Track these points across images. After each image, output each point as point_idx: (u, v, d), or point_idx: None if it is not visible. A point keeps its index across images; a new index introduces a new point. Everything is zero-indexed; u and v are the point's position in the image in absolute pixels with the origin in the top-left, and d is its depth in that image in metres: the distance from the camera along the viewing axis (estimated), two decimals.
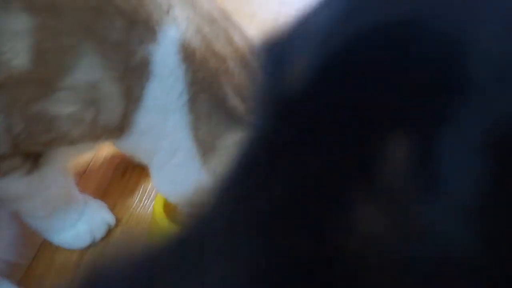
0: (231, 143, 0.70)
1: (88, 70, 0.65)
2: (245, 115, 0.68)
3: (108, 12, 0.65)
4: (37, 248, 0.92)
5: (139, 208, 0.97)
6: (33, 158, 0.77)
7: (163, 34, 0.67)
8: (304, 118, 0.29)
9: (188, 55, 0.68)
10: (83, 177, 1.00)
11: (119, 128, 0.73)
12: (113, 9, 0.65)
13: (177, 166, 0.78)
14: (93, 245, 0.92)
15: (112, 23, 0.65)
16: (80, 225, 0.90)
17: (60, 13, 0.64)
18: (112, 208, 0.95)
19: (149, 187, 1.00)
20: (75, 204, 0.90)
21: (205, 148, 0.75)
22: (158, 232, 0.89)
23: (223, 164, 0.70)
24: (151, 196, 0.99)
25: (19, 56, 0.64)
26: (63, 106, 0.68)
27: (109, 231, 0.93)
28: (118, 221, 0.94)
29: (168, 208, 0.89)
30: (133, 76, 0.67)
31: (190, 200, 0.73)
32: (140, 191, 1.00)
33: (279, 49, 0.32)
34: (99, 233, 0.92)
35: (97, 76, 0.66)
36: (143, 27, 0.66)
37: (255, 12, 1.30)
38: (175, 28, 0.67)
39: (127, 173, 0.99)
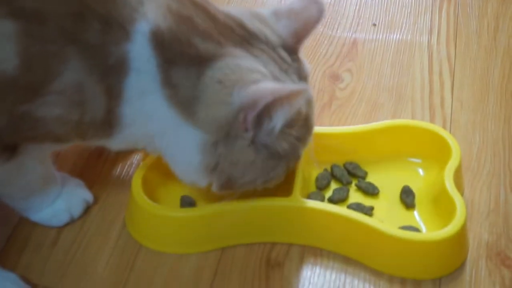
0: (208, 82, 0.73)
1: (73, 74, 0.69)
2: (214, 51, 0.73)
3: (87, 17, 0.68)
4: (13, 226, 0.91)
5: (117, 186, 0.97)
6: (11, 148, 0.77)
7: (135, 32, 0.71)
8: None
9: (159, 39, 0.72)
10: (60, 155, 0.99)
11: (107, 123, 0.75)
12: (91, 14, 0.69)
13: (175, 143, 0.78)
14: (71, 222, 0.92)
15: (91, 27, 0.69)
16: (58, 203, 0.90)
17: (44, 20, 0.67)
18: (90, 186, 0.95)
19: (127, 165, 1.00)
20: (53, 184, 0.90)
21: (187, 106, 0.75)
22: (136, 210, 0.90)
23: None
24: (129, 174, 0.99)
25: (7, 61, 0.67)
26: (50, 109, 0.71)
27: (87, 209, 0.93)
28: (96, 199, 0.94)
29: (147, 186, 0.89)
30: (112, 75, 0.71)
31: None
32: (118, 169, 1.00)
33: None
34: (77, 211, 0.92)
35: (82, 79, 0.70)
36: (116, 28, 0.70)
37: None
38: (145, 22, 0.71)
39: (105, 151, 0.98)
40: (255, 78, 0.74)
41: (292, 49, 0.81)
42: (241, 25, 0.78)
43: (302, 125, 0.80)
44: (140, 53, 0.72)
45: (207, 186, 0.82)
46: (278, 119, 0.75)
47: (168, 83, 0.73)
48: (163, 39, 0.72)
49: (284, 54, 0.80)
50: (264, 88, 0.73)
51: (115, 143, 0.81)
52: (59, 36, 0.68)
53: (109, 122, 0.75)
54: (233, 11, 0.80)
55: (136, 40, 0.71)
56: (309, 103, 0.81)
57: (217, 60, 0.74)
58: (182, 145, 0.78)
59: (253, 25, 0.79)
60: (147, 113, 0.76)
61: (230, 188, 0.82)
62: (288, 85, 0.77)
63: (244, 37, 0.77)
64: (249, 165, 0.79)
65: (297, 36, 0.81)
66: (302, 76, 0.82)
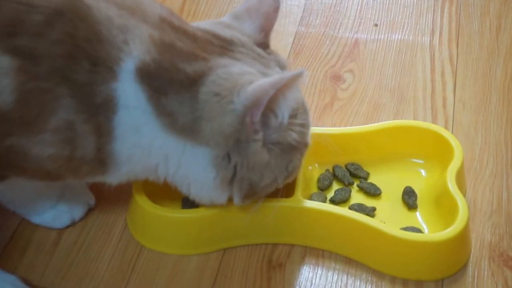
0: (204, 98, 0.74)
1: (65, 112, 0.71)
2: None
3: (78, 58, 0.70)
4: (15, 227, 0.91)
5: (118, 187, 0.96)
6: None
7: (121, 71, 0.72)
8: None
9: (146, 73, 0.73)
10: None
11: (99, 161, 0.76)
12: (82, 54, 0.71)
13: (184, 168, 0.79)
14: (72, 224, 0.92)
15: (81, 67, 0.71)
16: (60, 206, 0.90)
17: (38, 59, 0.69)
18: (91, 188, 0.94)
19: None
20: (53, 189, 0.90)
21: (190, 129, 0.75)
22: (137, 212, 0.89)
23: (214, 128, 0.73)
24: None
25: (3, 95, 0.69)
26: (45, 148, 0.73)
27: (88, 210, 0.93)
28: (97, 200, 0.94)
29: (148, 187, 0.89)
30: (101, 113, 0.73)
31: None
32: None
33: None
34: (79, 213, 0.92)
35: (72, 117, 0.72)
36: (104, 69, 0.72)
37: None
38: (131, 60, 0.73)
39: None
40: (249, 79, 0.75)
41: (263, 44, 0.84)
42: (217, 36, 0.80)
43: (302, 111, 0.81)
44: (127, 90, 0.73)
45: (228, 201, 0.82)
46: (284, 111, 0.76)
47: (163, 112, 0.74)
48: (149, 71, 0.73)
49: (259, 50, 0.82)
50: (262, 84, 0.73)
51: (113, 180, 0.81)
52: (52, 75, 0.70)
53: (101, 160, 0.76)
54: (202, 25, 0.82)
55: (122, 79, 0.73)
56: (297, 87, 0.82)
57: (208, 75, 0.74)
58: (192, 167, 0.78)
59: (225, 32, 0.81)
60: (145, 146, 0.76)
61: (252, 195, 0.81)
62: (283, 74, 0.78)
63: (223, 46, 0.79)
64: (266, 166, 0.79)
65: (264, 31, 0.84)
66: (282, 66, 0.84)
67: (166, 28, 0.76)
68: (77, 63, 0.70)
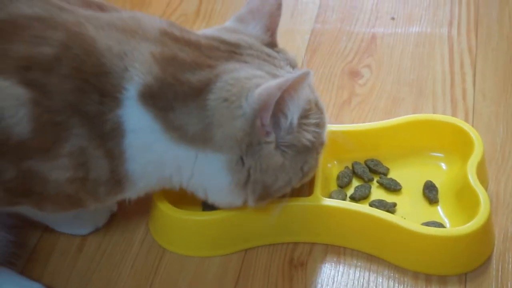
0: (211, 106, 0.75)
1: (78, 140, 0.73)
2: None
3: (86, 91, 0.73)
4: (39, 235, 0.93)
5: None
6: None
7: (124, 98, 0.74)
8: None
9: (149, 94, 0.74)
10: None
11: (115, 182, 0.77)
12: (90, 88, 0.73)
13: (198, 175, 0.80)
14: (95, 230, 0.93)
15: (91, 100, 0.73)
16: (83, 214, 0.91)
17: (51, 93, 0.72)
18: None
19: None
20: None
21: (201, 138, 0.76)
22: (159, 215, 0.90)
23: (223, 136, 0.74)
24: None
25: (21, 125, 0.71)
26: (62, 172, 0.75)
27: (111, 216, 0.94)
28: (119, 205, 0.95)
29: (169, 190, 0.89)
30: (110, 139, 0.75)
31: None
32: None
33: None
34: (102, 220, 0.93)
35: (84, 144, 0.74)
36: (109, 98, 0.74)
37: None
38: (132, 86, 0.74)
39: None
40: (257, 83, 0.75)
41: (271, 44, 0.84)
42: (223, 41, 0.80)
43: (315, 111, 0.81)
44: (132, 115, 0.74)
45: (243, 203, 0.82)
46: (293, 113, 0.76)
47: (171, 127, 0.75)
48: (153, 92, 0.74)
49: (269, 50, 0.82)
50: (269, 86, 0.73)
51: (132, 195, 0.83)
52: (64, 108, 0.72)
53: (117, 181, 0.78)
54: (207, 32, 0.82)
55: (126, 105, 0.74)
56: (311, 87, 0.82)
57: (215, 82, 0.75)
58: (207, 173, 0.79)
59: (231, 37, 0.81)
60: (157, 161, 0.78)
61: (267, 197, 0.82)
62: (290, 75, 0.78)
63: (230, 50, 0.79)
64: (280, 168, 0.79)
65: (270, 30, 0.84)
66: (293, 65, 0.84)
67: (167, 41, 0.77)
68: (87, 96, 0.73)
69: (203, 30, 0.83)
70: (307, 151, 0.80)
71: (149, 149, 0.76)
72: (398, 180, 0.95)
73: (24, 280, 0.85)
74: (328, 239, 0.90)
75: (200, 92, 0.75)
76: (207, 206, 0.92)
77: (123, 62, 0.74)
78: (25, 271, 0.88)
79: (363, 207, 0.87)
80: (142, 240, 0.92)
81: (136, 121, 0.75)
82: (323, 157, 0.87)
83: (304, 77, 0.73)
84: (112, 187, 0.78)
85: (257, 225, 0.89)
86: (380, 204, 0.91)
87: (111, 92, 0.73)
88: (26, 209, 0.83)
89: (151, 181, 0.80)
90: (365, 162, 0.98)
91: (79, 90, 0.72)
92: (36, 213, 0.87)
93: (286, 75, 0.79)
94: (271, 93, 0.73)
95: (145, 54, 0.75)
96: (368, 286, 0.85)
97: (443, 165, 0.97)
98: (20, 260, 0.89)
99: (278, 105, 0.74)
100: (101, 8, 0.79)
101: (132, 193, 0.82)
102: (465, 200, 0.89)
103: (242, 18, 0.84)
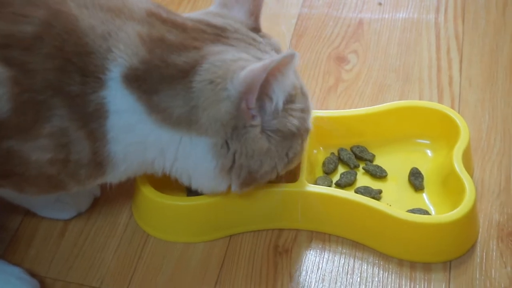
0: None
1: (59, 120, 0.72)
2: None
3: (68, 70, 0.71)
4: (20, 219, 0.91)
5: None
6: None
7: (108, 79, 0.73)
8: None
9: (133, 77, 0.73)
10: None
11: (97, 163, 0.76)
12: (72, 67, 0.71)
13: (182, 159, 0.78)
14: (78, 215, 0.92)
15: (72, 80, 0.72)
16: (66, 198, 0.90)
17: (31, 72, 0.70)
18: None
19: None
20: None
21: (186, 121, 0.75)
22: (142, 200, 0.89)
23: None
24: None
25: (1, 102, 0.70)
26: (43, 153, 0.73)
27: (94, 201, 0.93)
28: (102, 189, 0.94)
29: (152, 175, 0.88)
30: (93, 120, 0.74)
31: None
32: None
33: None
34: (85, 205, 0.92)
35: (66, 125, 0.73)
36: (92, 79, 0.73)
37: None
38: (116, 68, 0.73)
39: None
40: (242, 65, 0.74)
41: (256, 29, 0.83)
42: (209, 24, 0.79)
43: (300, 96, 0.80)
44: (115, 96, 0.74)
45: (229, 188, 0.82)
46: (278, 95, 0.75)
47: (155, 110, 0.74)
48: (137, 75, 0.73)
49: (254, 35, 0.81)
50: (254, 68, 0.73)
51: (113, 179, 0.82)
52: (46, 88, 0.71)
53: (98, 163, 0.77)
54: (193, 16, 0.81)
55: (110, 87, 0.73)
56: (296, 73, 0.81)
57: (201, 64, 0.74)
58: (191, 158, 0.78)
59: (217, 20, 0.80)
60: (139, 143, 0.77)
61: (251, 182, 0.81)
62: (275, 56, 0.77)
63: (216, 33, 0.78)
64: (265, 153, 0.78)
65: (253, 14, 0.83)
66: (277, 50, 0.83)
67: (154, 21, 0.76)
68: (68, 76, 0.71)
69: (188, 14, 0.82)
70: (292, 137, 0.80)
71: (132, 131, 0.75)
72: (384, 167, 0.95)
73: (4, 264, 0.84)
74: (313, 226, 0.89)
75: (186, 74, 0.74)
76: (191, 192, 0.91)
77: (106, 43, 0.73)
78: (5, 256, 0.87)
79: (348, 194, 0.87)
80: (126, 225, 0.91)
81: (120, 103, 0.74)
82: (309, 143, 0.87)
83: (289, 58, 0.72)
84: (93, 170, 0.77)
85: (241, 211, 0.88)
86: (365, 191, 0.91)
87: (93, 73, 0.72)
88: (7, 192, 0.82)
89: (132, 164, 0.79)
90: (351, 149, 0.97)
91: (60, 69, 0.71)
92: (17, 197, 0.86)
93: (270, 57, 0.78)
94: (256, 74, 0.72)
95: (132, 34, 0.74)
96: (353, 273, 0.85)
97: (429, 152, 0.97)
98: (1, 244, 0.88)
99: (263, 87, 0.73)
100: None
101: (113, 176, 0.80)
102: (450, 187, 0.89)
103: (226, 3, 0.84)
